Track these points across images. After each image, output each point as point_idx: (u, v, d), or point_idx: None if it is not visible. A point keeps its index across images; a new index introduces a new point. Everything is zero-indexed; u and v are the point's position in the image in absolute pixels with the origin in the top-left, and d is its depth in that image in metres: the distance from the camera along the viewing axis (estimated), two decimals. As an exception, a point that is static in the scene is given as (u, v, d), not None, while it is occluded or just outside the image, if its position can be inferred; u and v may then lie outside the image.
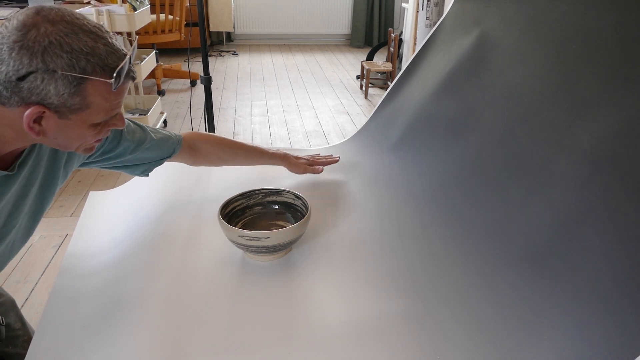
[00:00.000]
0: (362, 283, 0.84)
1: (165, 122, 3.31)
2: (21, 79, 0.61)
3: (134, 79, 0.70)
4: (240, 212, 0.97)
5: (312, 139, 3.19)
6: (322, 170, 1.21)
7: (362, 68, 4.19)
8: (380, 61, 4.23)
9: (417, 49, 1.43)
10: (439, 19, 1.68)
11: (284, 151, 1.19)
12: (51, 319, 0.78)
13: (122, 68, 0.65)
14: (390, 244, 0.95)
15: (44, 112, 0.64)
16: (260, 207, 0.99)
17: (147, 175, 1.04)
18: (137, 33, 3.62)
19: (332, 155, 1.26)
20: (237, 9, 5.87)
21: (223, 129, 3.30)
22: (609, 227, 0.69)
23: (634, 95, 0.73)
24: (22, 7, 2.74)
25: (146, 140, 0.97)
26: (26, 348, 0.73)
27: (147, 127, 1.00)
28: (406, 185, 1.15)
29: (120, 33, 3.72)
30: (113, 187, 1.97)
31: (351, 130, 3.35)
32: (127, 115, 2.83)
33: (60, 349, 0.72)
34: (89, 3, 2.94)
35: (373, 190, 1.16)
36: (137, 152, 0.96)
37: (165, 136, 1.01)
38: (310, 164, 1.21)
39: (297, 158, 1.20)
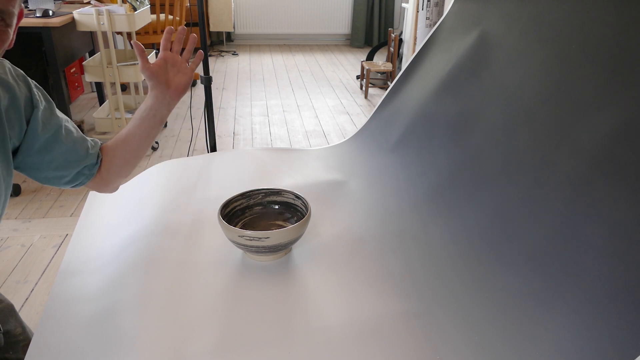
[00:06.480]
0: (362, 283, 0.84)
1: (165, 122, 3.31)
2: None
3: None
4: (240, 212, 0.97)
5: (312, 139, 3.19)
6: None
7: (362, 68, 4.19)
8: (380, 61, 4.23)
9: (417, 49, 1.43)
10: (439, 19, 1.68)
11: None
12: (51, 319, 0.78)
13: None
14: (390, 244, 0.95)
15: None
16: (260, 207, 0.99)
17: (76, 185, 0.89)
18: (137, 33, 3.62)
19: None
20: (237, 9, 5.87)
21: (223, 129, 3.31)
22: (609, 227, 0.69)
23: (634, 95, 0.73)
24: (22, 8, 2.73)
25: (61, 126, 0.85)
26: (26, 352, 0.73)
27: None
28: (406, 185, 1.15)
29: (120, 33, 3.72)
30: (113, 187, 1.97)
31: (351, 130, 3.36)
32: (127, 115, 2.82)
33: (60, 349, 0.72)
34: (89, 3, 2.95)
35: (373, 190, 1.16)
36: (50, 134, 0.82)
37: (90, 143, 0.89)
38: (167, 58, 0.94)
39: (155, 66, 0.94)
